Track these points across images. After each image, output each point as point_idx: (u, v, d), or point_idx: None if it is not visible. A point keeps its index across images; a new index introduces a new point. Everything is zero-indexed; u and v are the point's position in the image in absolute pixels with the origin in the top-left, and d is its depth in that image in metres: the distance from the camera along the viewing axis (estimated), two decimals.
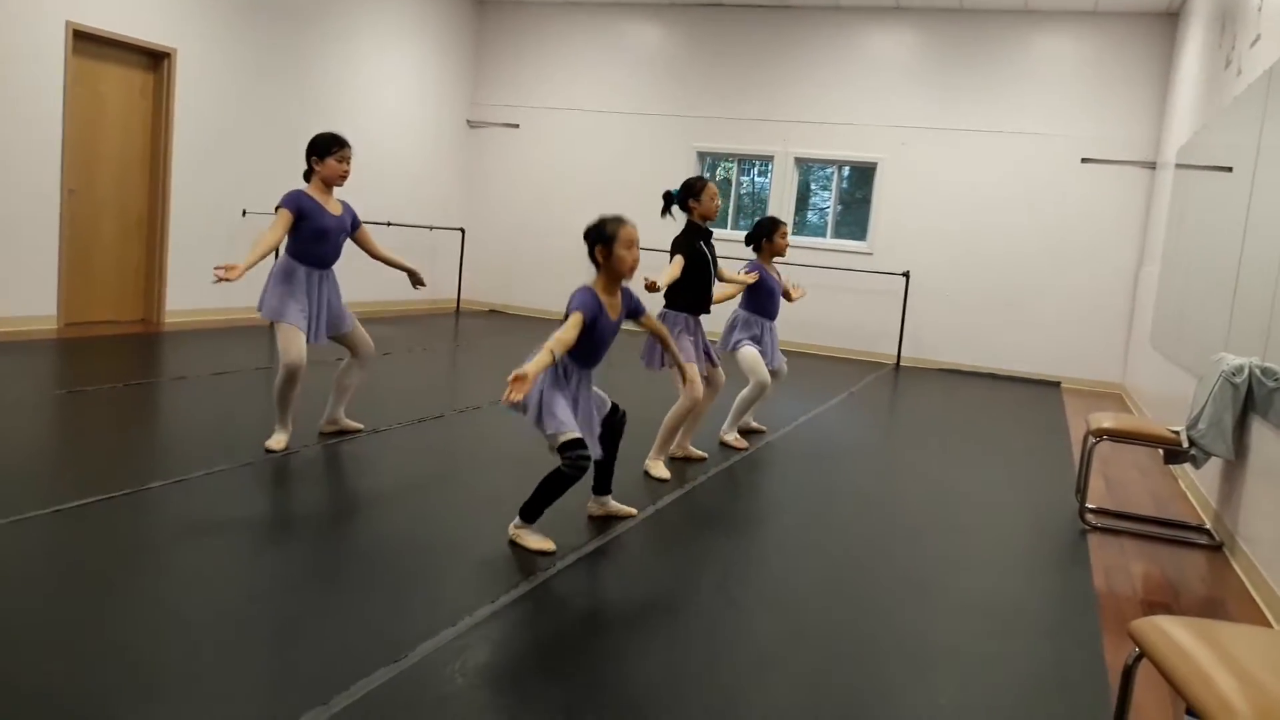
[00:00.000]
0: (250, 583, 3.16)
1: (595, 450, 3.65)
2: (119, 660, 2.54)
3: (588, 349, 3.63)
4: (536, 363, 3.30)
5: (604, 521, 4.08)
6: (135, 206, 8.44)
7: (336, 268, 4.91)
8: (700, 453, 5.37)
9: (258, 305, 4.72)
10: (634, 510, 4.18)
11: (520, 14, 12.31)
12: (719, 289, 5.33)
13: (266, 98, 9.37)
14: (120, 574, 3.15)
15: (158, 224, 8.56)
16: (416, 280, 5.18)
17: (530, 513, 3.68)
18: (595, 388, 3.81)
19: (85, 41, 7.71)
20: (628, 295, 3.78)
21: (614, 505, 4.13)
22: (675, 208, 5.00)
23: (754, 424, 6.25)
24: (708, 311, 5.07)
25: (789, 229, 5.88)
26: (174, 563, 3.28)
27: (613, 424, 3.89)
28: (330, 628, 2.84)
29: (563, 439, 3.52)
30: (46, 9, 7.36)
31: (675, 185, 5.16)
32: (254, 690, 2.47)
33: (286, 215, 4.60)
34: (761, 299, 5.80)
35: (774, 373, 5.89)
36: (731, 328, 5.82)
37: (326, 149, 4.71)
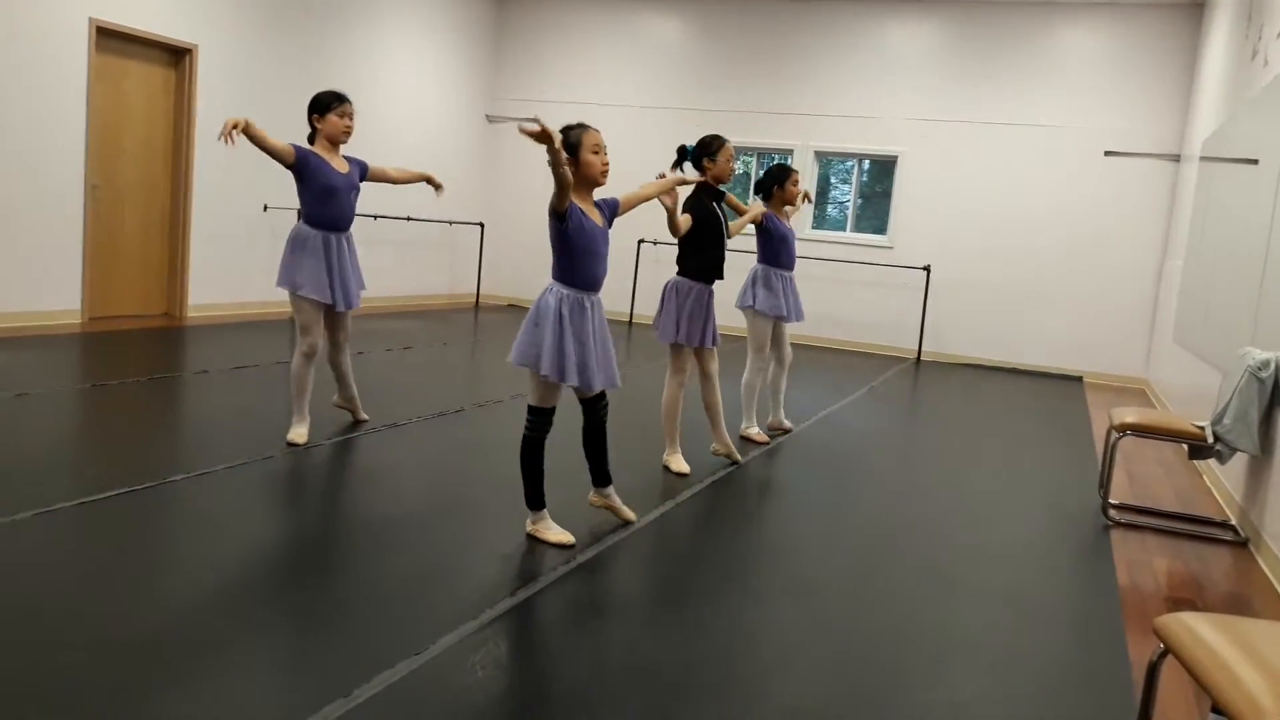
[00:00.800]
0: (272, 575, 3.18)
1: (609, 380, 3.63)
2: (142, 651, 2.56)
3: (584, 258, 3.54)
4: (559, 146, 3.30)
5: (627, 515, 4.06)
6: (158, 201, 8.50)
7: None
8: (737, 456, 5.23)
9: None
10: (633, 515, 4.01)
11: (539, 9, 12.30)
12: (733, 223, 5.22)
13: (287, 93, 9.40)
14: (143, 566, 3.17)
15: (180, 219, 8.62)
16: (436, 186, 5.15)
17: (532, 500, 3.70)
18: (614, 370, 3.71)
19: (108, 38, 7.76)
20: (600, 204, 3.69)
21: (615, 500, 3.98)
22: (688, 165, 4.86)
23: (786, 423, 6.11)
24: (721, 276, 4.91)
25: (800, 177, 5.80)
26: (196, 555, 3.30)
27: (594, 418, 3.80)
28: (352, 620, 2.85)
29: (534, 401, 3.59)
30: (70, 6, 7.41)
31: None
32: (277, 681, 2.48)
33: (289, 148, 4.52)
34: (776, 248, 5.67)
35: (779, 359, 5.84)
36: (751, 282, 5.66)
37: (327, 106, 4.65)
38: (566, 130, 3.54)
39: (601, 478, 3.92)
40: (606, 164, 3.59)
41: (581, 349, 3.54)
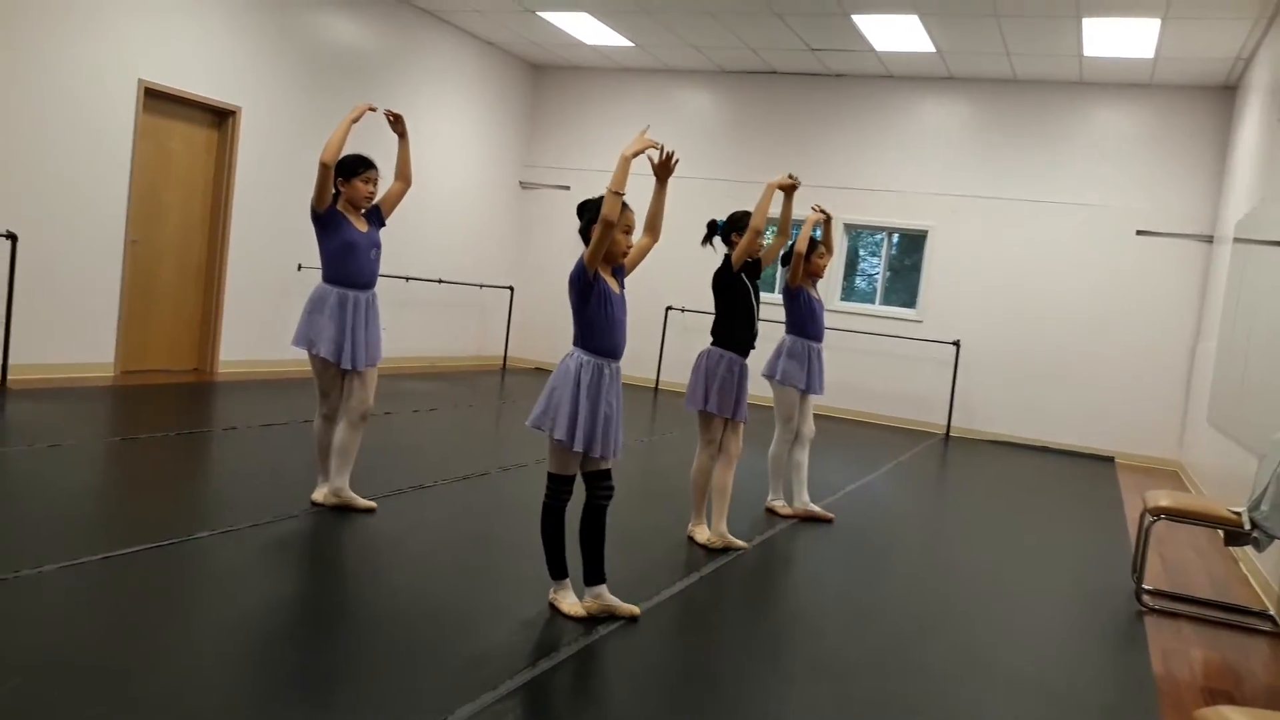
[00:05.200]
0: (292, 636, 3.15)
1: (609, 451, 3.55)
2: (159, 711, 2.53)
3: (604, 328, 3.52)
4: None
5: (648, 583, 4.00)
6: (194, 258, 8.63)
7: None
8: (742, 543, 4.89)
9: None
10: (635, 610, 3.64)
11: (574, 79, 12.53)
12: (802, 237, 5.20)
13: None
14: (165, 623, 3.16)
15: (215, 276, 8.74)
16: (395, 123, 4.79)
17: (554, 568, 3.64)
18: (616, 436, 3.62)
19: (156, 99, 7.96)
20: (615, 270, 3.66)
21: (610, 599, 3.62)
22: (717, 239, 4.89)
23: (813, 507, 5.71)
24: (753, 346, 4.87)
25: (826, 254, 5.78)
26: (218, 614, 3.28)
27: (596, 498, 3.61)
28: (371, 684, 2.81)
29: (553, 468, 3.56)
30: (121, 67, 7.62)
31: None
32: None
33: (332, 195, 4.54)
34: (804, 320, 5.61)
35: (800, 434, 5.69)
36: (778, 354, 5.63)
37: (353, 170, 4.59)
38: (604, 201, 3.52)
39: (595, 574, 3.62)
40: (631, 246, 3.63)
41: (594, 416, 3.50)
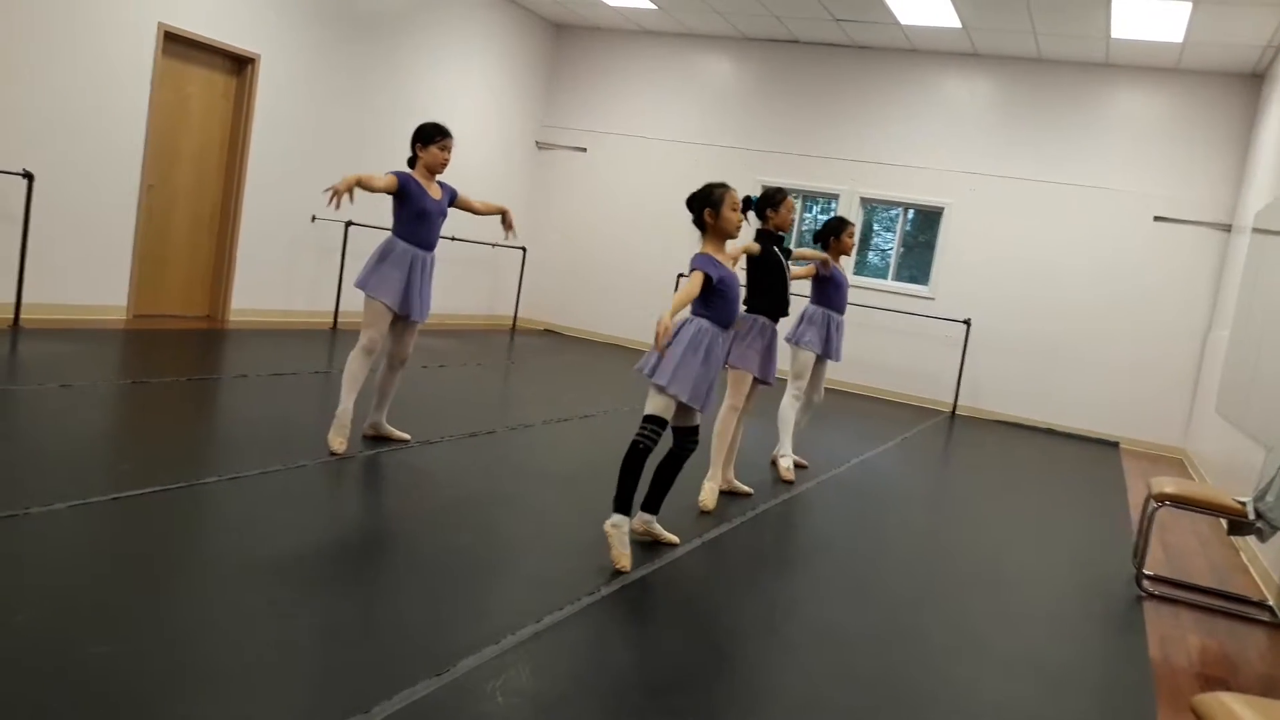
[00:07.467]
0: (297, 584, 3.18)
1: (699, 403, 3.85)
2: (165, 652, 2.57)
3: (724, 306, 3.92)
4: (668, 312, 3.59)
5: (652, 548, 4.05)
6: (209, 204, 8.62)
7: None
8: (746, 488, 5.30)
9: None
10: (676, 539, 4.16)
11: (595, 41, 12.43)
12: (795, 271, 5.57)
13: (343, 108, 9.53)
14: (172, 566, 3.19)
15: (229, 223, 8.73)
16: (508, 225, 5.37)
17: (620, 502, 3.79)
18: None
19: (175, 43, 7.92)
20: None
21: (657, 529, 4.14)
22: (751, 214, 5.07)
23: (795, 456, 6.13)
24: (785, 313, 5.22)
25: (855, 229, 6.14)
26: (224, 559, 3.31)
27: (683, 447, 3.98)
28: (375, 635, 2.84)
29: (651, 409, 3.79)
30: (141, 10, 7.58)
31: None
32: (298, 692, 2.48)
33: (393, 179, 4.79)
34: (830, 293, 6.04)
35: (809, 399, 6.10)
36: (800, 321, 6.01)
37: (430, 138, 4.95)
38: (710, 188, 3.94)
39: (654, 504, 4.09)
40: (742, 220, 3.96)
41: (701, 373, 3.81)
